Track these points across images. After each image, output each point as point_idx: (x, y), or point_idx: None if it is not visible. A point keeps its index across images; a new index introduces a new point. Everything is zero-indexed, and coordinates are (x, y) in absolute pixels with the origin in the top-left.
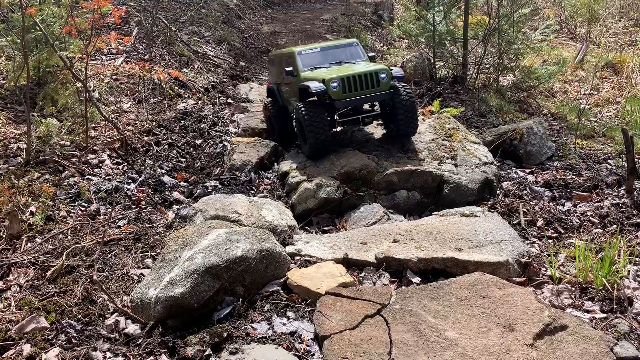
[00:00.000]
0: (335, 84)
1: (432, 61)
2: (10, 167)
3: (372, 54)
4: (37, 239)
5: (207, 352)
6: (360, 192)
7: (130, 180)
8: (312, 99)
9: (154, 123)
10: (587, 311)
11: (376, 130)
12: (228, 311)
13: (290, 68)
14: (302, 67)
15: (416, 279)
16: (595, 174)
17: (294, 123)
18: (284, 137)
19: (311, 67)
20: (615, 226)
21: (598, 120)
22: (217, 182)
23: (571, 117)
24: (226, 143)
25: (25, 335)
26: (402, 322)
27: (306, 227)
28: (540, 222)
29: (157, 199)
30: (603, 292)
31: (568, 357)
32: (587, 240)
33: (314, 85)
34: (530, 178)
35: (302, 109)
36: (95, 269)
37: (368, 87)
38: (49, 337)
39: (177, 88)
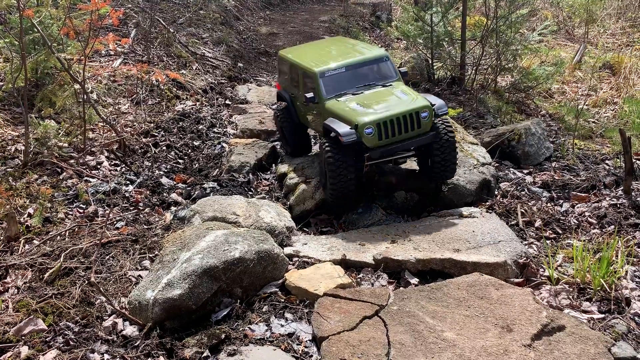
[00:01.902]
0: (370, 130)
1: (430, 62)
2: (8, 169)
3: (404, 69)
4: (34, 241)
5: (205, 354)
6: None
7: (128, 182)
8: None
9: (152, 124)
10: (585, 312)
11: None
12: (226, 313)
13: (311, 94)
14: (326, 93)
15: (414, 280)
16: (593, 174)
17: (318, 155)
18: (299, 151)
19: (336, 93)
20: (613, 227)
21: (596, 121)
22: (215, 183)
23: (569, 117)
24: (224, 144)
25: (23, 338)
26: (400, 323)
27: (304, 229)
28: (538, 223)
29: (155, 200)
30: (601, 293)
31: (566, 358)
32: (585, 240)
33: (344, 132)
34: (528, 179)
35: (328, 150)
36: (93, 271)
37: (407, 130)
38: (47, 339)
39: (175, 89)
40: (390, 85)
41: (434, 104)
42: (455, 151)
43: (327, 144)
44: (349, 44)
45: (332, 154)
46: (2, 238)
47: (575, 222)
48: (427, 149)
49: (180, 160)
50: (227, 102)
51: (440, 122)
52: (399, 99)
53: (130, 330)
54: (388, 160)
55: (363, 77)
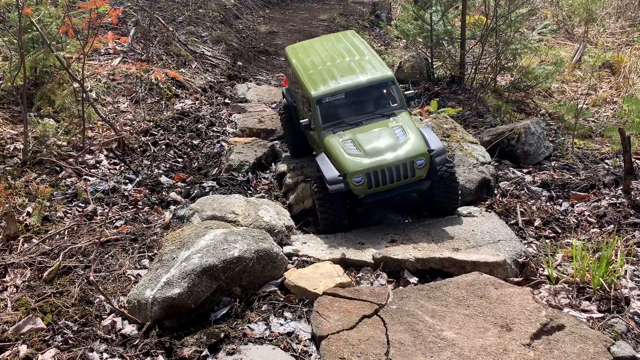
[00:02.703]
0: (359, 179)
1: (430, 61)
2: (7, 168)
3: (411, 92)
4: (34, 240)
5: (204, 353)
6: None
7: (127, 181)
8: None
9: (151, 123)
10: (585, 311)
11: None
12: (225, 312)
13: (307, 121)
14: (322, 123)
15: (414, 279)
16: (592, 173)
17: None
18: (299, 153)
19: (333, 122)
20: (612, 226)
21: (595, 120)
22: (215, 182)
23: (569, 117)
24: (224, 143)
25: (22, 336)
26: (400, 322)
27: (304, 227)
28: (537, 222)
29: (155, 199)
30: (600, 292)
31: (565, 357)
32: (584, 240)
33: (332, 179)
34: (528, 178)
35: (317, 191)
36: (92, 270)
37: (400, 179)
38: (46, 338)
39: (174, 88)
40: (393, 115)
41: (432, 150)
42: (456, 183)
43: (316, 186)
44: (357, 52)
45: (322, 195)
46: (1, 237)
47: (575, 221)
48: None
49: (180, 159)
50: (227, 100)
51: (438, 161)
52: (395, 141)
53: (129, 329)
54: (381, 199)
55: (363, 104)
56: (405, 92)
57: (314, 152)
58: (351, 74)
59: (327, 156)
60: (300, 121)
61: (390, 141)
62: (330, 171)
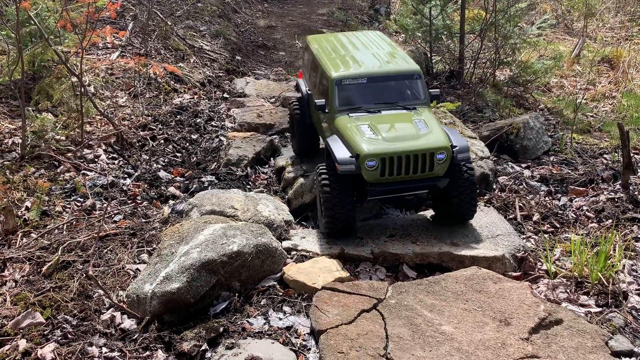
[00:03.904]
0: (372, 163)
1: (429, 56)
2: (5, 162)
3: (437, 91)
4: (32, 234)
5: (203, 347)
6: None
7: (126, 175)
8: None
9: (149, 118)
10: (583, 305)
11: None
12: (224, 306)
13: (323, 101)
14: (339, 105)
15: (412, 274)
16: (591, 168)
17: (314, 182)
18: (304, 151)
19: (350, 107)
20: (610, 221)
21: (594, 115)
22: (213, 177)
23: (567, 111)
24: (222, 138)
25: (21, 331)
26: (398, 316)
27: (303, 222)
28: (536, 217)
29: (153, 194)
30: (598, 287)
31: (563, 351)
32: (582, 234)
33: (342, 159)
34: (527, 173)
35: (323, 179)
36: (91, 264)
37: (416, 171)
38: (45, 332)
39: (173, 82)
40: (414, 109)
41: (455, 146)
42: (475, 191)
43: (323, 171)
44: (383, 46)
45: (328, 182)
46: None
47: (573, 216)
48: (443, 189)
49: (178, 154)
50: (225, 95)
51: (459, 165)
52: (416, 131)
53: (128, 323)
54: (392, 198)
55: (386, 93)
56: (430, 90)
57: (323, 143)
58: (376, 62)
59: (339, 138)
60: (315, 100)
61: (411, 131)
62: (341, 151)
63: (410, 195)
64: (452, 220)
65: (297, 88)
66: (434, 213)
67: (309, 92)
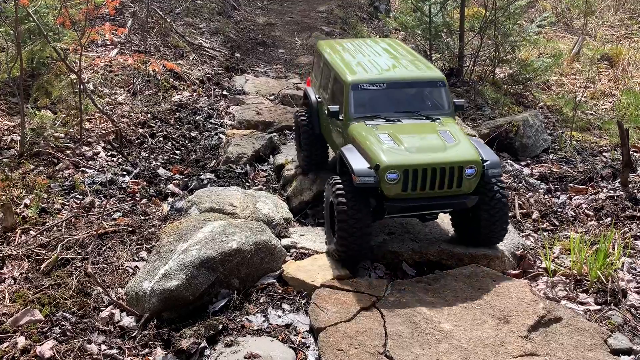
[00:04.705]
0: (394, 176)
1: (429, 53)
2: (4, 160)
3: (461, 101)
4: (31, 232)
5: (202, 345)
6: None
7: (125, 173)
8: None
9: (148, 115)
10: (582, 303)
11: None
12: (223, 304)
13: (337, 107)
14: (354, 111)
15: (412, 271)
16: (590, 166)
17: (325, 196)
18: (313, 165)
19: (366, 114)
20: (610, 219)
21: (594, 113)
22: (213, 174)
23: (567, 109)
24: (221, 135)
25: (20, 328)
26: (397, 314)
27: (302, 220)
28: (535, 215)
29: (152, 191)
30: (597, 285)
31: (562, 349)
32: (582, 232)
33: (359, 170)
34: (526, 171)
35: (339, 194)
36: (89, 262)
37: (443, 187)
38: (44, 329)
39: (172, 80)
40: (438, 119)
41: (486, 161)
42: (507, 213)
43: (338, 185)
44: (403, 52)
45: (344, 196)
46: None
47: (573, 214)
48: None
49: (177, 151)
50: (225, 92)
51: (491, 183)
52: (442, 142)
53: (127, 321)
54: (412, 216)
55: (406, 101)
56: (455, 100)
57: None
58: (396, 68)
59: (355, 148)
60: (328, 106)
61: (437, 142)
62: (359, 161)
63: (432, 215)
64: (478, 243)
65: (305, 96)
66: (454, 232)
67: (318, 99)
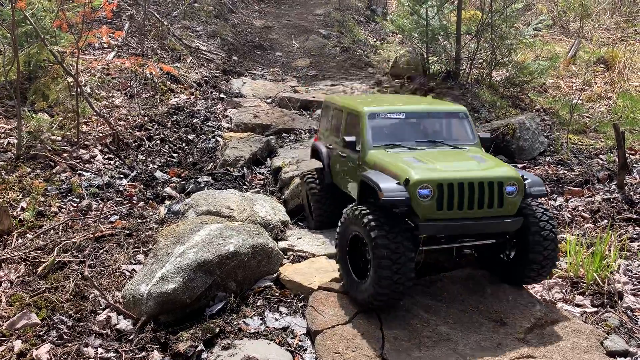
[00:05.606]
0: (426, 192)
1: (425, 56)
2: (1, 163)
3: (486, 134)
4: (28, 235)
5: (199, 348)
6: None
7: (122, 176)
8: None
9: (146, 118)
10: (578, 305)
11: None
12: (220, 307)
13: (353, 138)
14: (372, 141)
15: None
16: (586, 169)
17: (346, 236)
18: (326, 220)
19: (386, 143)
20: (606, 221)
21: (590, 116)
22: (210, 177)
23: (563, 112)
24: (219, 138)
25: (16, 332)
26: (395, 317)
27: (299, 223)
28: None
29: (149, 194)
30: (594, 287)
31: (559, 351)
32: (578, 235)
33: (387, 187)
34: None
35: (372, 221)
36: (86, 265)
37: (482, 206)
38: (40, 333)
39: (169, 83)
40: (464, 148)
41: (527, 179)
42: (557, 244)
43: (368, 216)
44: (421, 98)
45: (379, 227)
46: None
47: (569, 216)
48: (516, 239)
49: (175, 154)
50: (222, 95)
51: (536, 205)
52: (476, 162)
53: (124, 324)
54: (448, 247)
55: (428, 131)
56: (480, 134)
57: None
58: (414, 103)
59: (379, 171)
60: (344, 137)
61: (470, 162)
62: (385, 180)
63: (469, 248)
64: (520, 281)
65: (313, 152)
66: (486, 267)
67: (329, 146)
